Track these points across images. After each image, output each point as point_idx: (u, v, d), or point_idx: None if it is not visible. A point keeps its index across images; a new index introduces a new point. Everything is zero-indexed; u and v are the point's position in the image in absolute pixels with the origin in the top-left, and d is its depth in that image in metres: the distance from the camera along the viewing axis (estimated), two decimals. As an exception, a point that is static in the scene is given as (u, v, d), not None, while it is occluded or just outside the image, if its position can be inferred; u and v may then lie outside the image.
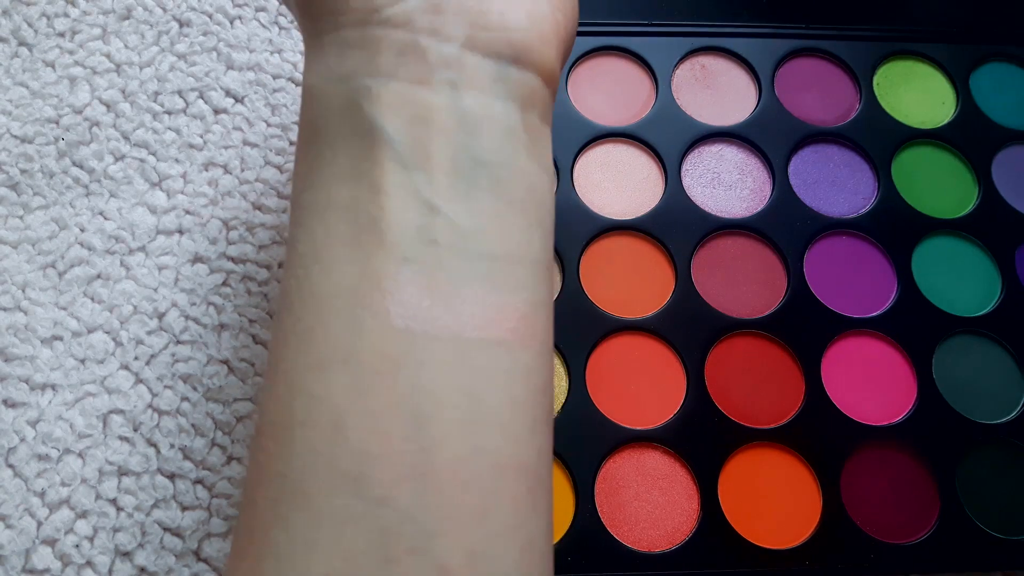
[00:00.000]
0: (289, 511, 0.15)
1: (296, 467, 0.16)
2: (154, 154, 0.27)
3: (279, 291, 0.19)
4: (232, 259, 0.26)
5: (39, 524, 0.23)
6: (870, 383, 0.25)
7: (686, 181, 0.27)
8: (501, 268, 0.18)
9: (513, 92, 0.19)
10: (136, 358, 0.25)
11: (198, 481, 0.23)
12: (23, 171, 0.27)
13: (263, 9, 0.30)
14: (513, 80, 0.19)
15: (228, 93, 0.28)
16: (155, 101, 0.28)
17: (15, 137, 0.27)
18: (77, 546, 0.23)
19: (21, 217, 0.26)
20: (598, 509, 0.23)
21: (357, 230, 0.17)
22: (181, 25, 0.29)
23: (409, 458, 0.15)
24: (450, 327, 0.17)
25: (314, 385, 0.16)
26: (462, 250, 0.17)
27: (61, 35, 0.29)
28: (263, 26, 0.30)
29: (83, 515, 0.23)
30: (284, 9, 0.30)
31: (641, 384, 0.24)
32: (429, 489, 0.15)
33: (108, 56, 0.28)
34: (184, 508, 0.23)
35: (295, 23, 0.30)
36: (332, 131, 0.18)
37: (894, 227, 0.27)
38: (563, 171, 0.27)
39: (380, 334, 0.16)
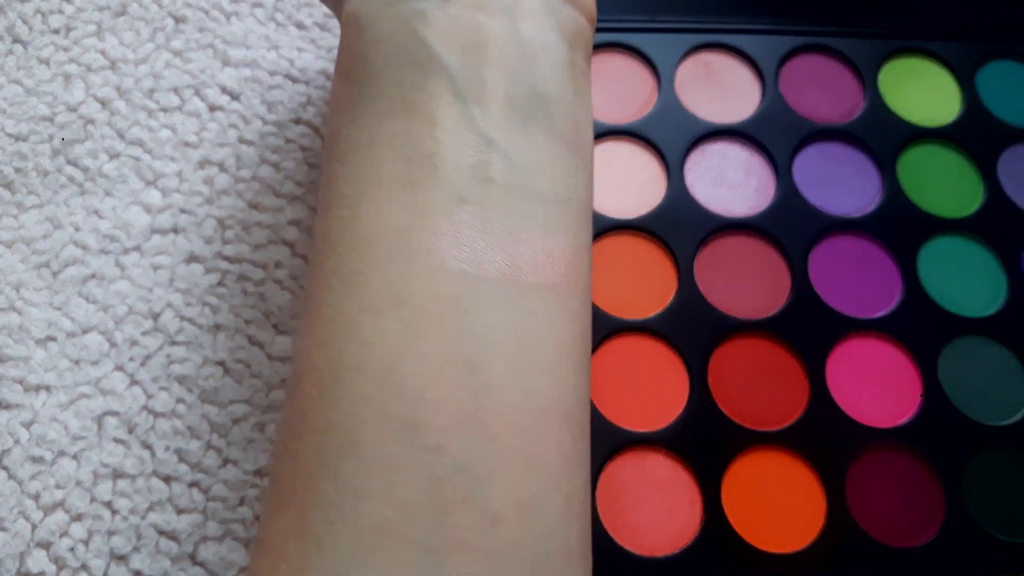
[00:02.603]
0: (337, 460, 0.15)
1: (345, 414, 0.15)
2: (149, 152, 0.27)
3: (316, 233, 0.18)
4: (228, 259, 0.26)
5: (33, 527, 0.22)
6: (875, 385, 0.25)
7: (689, 179, 0.27)
8: (553, 209, 0.17)
9: (563, 27, 0.18)
10: (131, 359, 0.24)
11: (193, 484, 0.23)
12: (17, 169, 0.26)
13: (260, 5, 0.30)
14: (563, 15, 0.18)
15: (224, 90, 0.28)
16: (150, 98, 0.28)
17: (9, 135, 0.27)
18: (72, 549, 0.22)
19: (15, 216, 0.26)
20: (599, 513, 0.23)
21: (409, 167, 0.16)
22: (176, 21, 0.29)
23: (462, 404, 0.15)
24: (504, 270, 0.16)
25: (365, 330, 0.15)
26: (517, 189, 0.17)
27: (56, 32, 0.28)
28: (259, 22, 0.29)
29: (78, 518, 0.23)
30: (281, 5, 0.30)
31: (643, 386, 0.24)
32: (481, 436, 0.15)
33: (103, 53, 0.28)
34: (180, 511, 0.23)
35: (292, 19, 0.29)
36: (380, 60, 0.17)
37: (899, 227, 0.27)
38: (564, 170, 0.27)
39: (435, 277, 0.16)
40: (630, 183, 0.27)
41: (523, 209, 0.17)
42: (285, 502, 0.15)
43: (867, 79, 0.29)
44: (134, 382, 0.24)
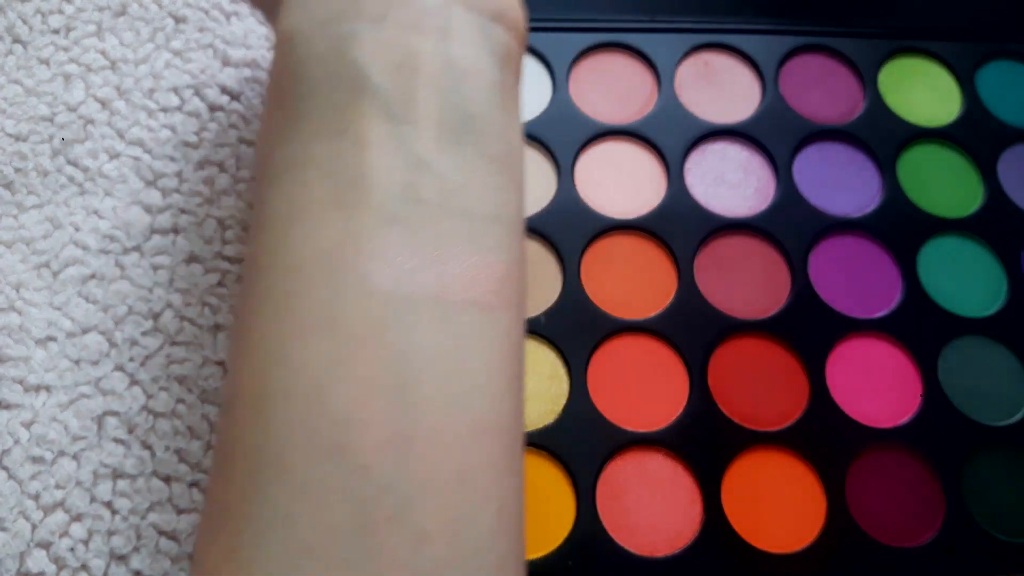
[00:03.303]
0: (267, 483, 0.15)
1: (274, 438, 0.15)
2: (149, 152, 0.27)
3: (246, 255, 0.18)
4: (228, 259, 0.26)
5: (33, 527, 0.22)
6: (875, 385, 0.25)
7: (689, 180, 0.27)
8: (484, 228, 0.17)
9: (495, 48, 0.19)
10: (131, 359, 0.24)
11: (193, 484, 0.23)
12: (17, 169, 0.26)
13: (260, 5, 0.30)
14: (495, 36, 0.19)
15: (224, 90, 0.28)
16: (150, 98, 0.28)
17: (9, 135, 0.27)
18: (72, 549, 0.22)
19: (15, 216, 0.26)
20: (599, 513, 0.23)
21: (339, 188, 0.16)
22: (177, 21, 0.29)
23: (391, 425, 0.15)
24: (434, 289, 0.16)
25: (293, 354, 0.16)
26: (447, 208, 0.17)
27: (56, 32, 0.28)
28: (260, 22, 0.29)
29: (78, 518, 0.23)
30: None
31: (643, 386, 0.24)
32: (410, 456, 0.15)
33: (103, 53, 0.28)
34: (179, 511, 0.23)
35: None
36: (311, 80, 0.17)
37: (899, 227, 0.27)
38: (564, 169, 0.27)
39: (364, 298, 0.16)
40: (630, 183, 0.27)
41: (454, 228, 0.17)
42: (219, 525, 0.16)
43: (867, 79, 0.29)
44: (134, 382, 0.24)
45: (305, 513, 0.15)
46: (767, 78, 0.29)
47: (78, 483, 0.23)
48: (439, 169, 0.17)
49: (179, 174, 0.27)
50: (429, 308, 0.16)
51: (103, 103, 0.28)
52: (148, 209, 0.26)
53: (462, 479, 0.15)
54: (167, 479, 0.23)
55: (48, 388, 0.24)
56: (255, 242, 0.17)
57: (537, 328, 0.24)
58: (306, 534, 0.14)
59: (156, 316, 0.25)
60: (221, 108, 0.28)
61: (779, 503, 0.23)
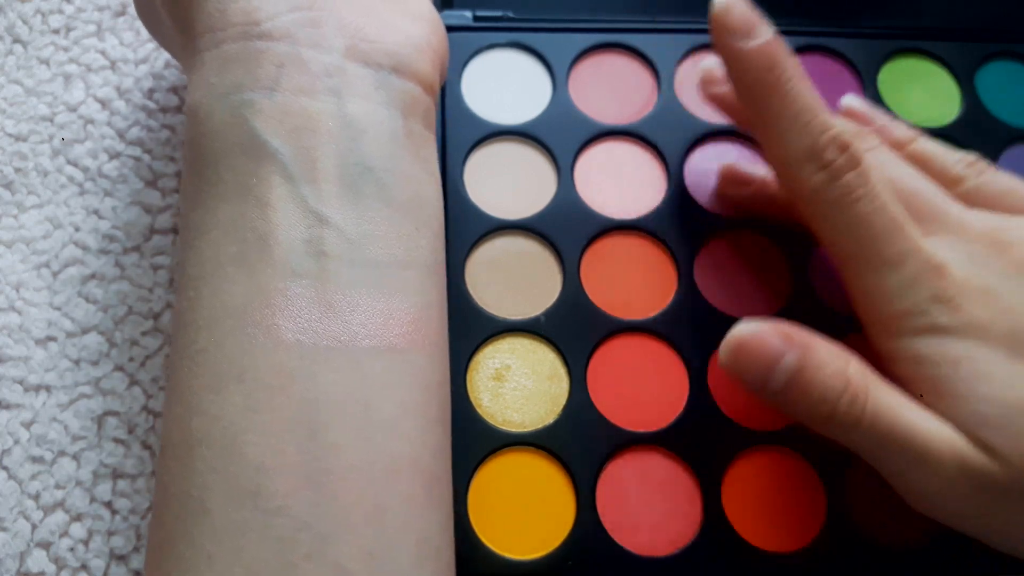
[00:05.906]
0: (192, 527, 0.16)
1: (197, 485, 0.16)
2: (149, 152, 0.27)
3: (172, 315, 0.19)
4: (228, 259, 0.26)
5: (33, 527, 0.22)
6: (875, 385, 0.25)
7: (688, 180, 0.27)
8: (390, 274, 0.18)
9: (395, 99, 0.20)
10: (131, 359, 0.24)
11: (194, 484, 0.23)
12: (17, 169, 0.26)
13: (260, 5, 0.29)
14: (394, 87, 0.20)
15: (224, 90, 0.28)
16: (150, 99, 0.28)
17: (9, 135, 0.27)
18: (72, 549, 0.22)
19: (15, 216, 0.26)
20: (599, 513, 0.23)
21: (244, 248, 0.18)
22: (177, 21, 0.29)
23: (304, 468, 0.16)
24: (341, 337, 0.17)
25: (209, 405, 0.17)
26: (351, 259, 0.18)
27: (56, 32, 0.28)
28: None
29: (78, 518, 0.23)
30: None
31: (643, 386, 0.24)
32: (324, 496, 0.16)
33: (103, 53, 0.28)
34: (180, 511, 0.23)
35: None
36: (216, 149, 0.19)
37: (899, 227, 0.27)
38: (564, 169, 0.27)
39: (272, 350, 0.17)
40: (630, 183, 0.27)
41: (358, 277, 0.18)
42: (155, 565, 0.17)
43: (867, 79, 0.29)
44: (134, 382, 0.24)
45: (226, 552, 0.16)
46: (767, 78, 0.28)
47: (78, 483, 0.23)
48: (340, 223, 0.18)
49: (178, 174, 0.27)
50: (336, 356, 0.17)
51: (103, 103, 0.28)
52: (148, 209, 0.26)
53: (377, 515, 0.16)
54: (167, 479, 0.23)
55: (48, 388, 0.24)
56: (177, 300, 0.19)
57: (537, 328, 0.24)
58: (228, 572, 0.16)
59: (156, 316, 0.25)
60: (221, 108, 0.28)
61: (779, 503, 0.23)
